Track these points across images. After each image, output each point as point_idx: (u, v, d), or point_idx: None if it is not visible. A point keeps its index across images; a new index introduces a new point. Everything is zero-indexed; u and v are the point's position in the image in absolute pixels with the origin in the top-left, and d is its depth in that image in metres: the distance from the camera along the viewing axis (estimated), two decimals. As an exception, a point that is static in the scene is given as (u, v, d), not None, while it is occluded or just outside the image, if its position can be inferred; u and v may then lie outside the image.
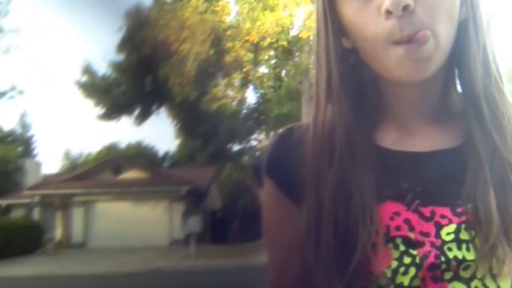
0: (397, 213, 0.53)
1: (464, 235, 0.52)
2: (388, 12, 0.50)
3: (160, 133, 48.70)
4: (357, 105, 0.58)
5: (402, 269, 0.51)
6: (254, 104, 19.04)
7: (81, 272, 10.76)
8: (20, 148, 32.97)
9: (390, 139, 0.59)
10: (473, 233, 0.51)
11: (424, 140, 0.58)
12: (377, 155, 0.57)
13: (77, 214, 18.47)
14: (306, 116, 13.67)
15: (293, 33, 14.08)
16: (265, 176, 0.64)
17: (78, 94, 19.49)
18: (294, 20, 13.29)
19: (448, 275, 0.51)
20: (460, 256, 0.51)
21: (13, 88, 20.84)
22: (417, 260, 0.51)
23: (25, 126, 36.54)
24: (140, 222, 17.67)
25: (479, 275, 0.51)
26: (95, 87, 19.26)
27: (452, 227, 0.52)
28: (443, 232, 0.52)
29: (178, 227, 16.67)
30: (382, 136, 0.60)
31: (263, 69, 14.73)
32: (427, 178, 0.55)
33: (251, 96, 24.10)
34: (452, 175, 0.55)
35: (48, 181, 21.25)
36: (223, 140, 19.42)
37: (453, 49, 0.54)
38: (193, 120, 18.13)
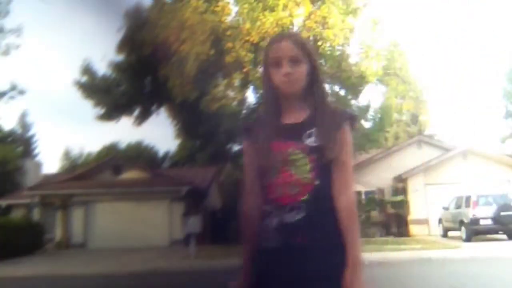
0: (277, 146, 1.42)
1: (298, 153, 1.39)
2: (284, 75, 1.42)
3: (160, 133, 48.62)
4: (272, 106, 1.50)
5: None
6: (254, 104, 18.98)
7: (81, 272, 10.77)
8: (20, 148, 32.99)
9: (285, 119, 1.47)
10: (302, 154, 1.39)
11: (297, 117, 1.46)
12: (279, 126, 1.45)
13: (77, 214, 18.47)
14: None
15: (293, 33, 14.08)
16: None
17: (78, 94, 19.36)
18: (294, 20, 13.30)
19: (290, 165, 1.39)
20: (296, 157, 1.38)
21: (13, 88, 20.81)
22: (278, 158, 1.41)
23: (25, 126, 36.58)
24: (140, 223, 17.67)
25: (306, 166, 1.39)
26: (95, 87, 19.20)
27: (295, 150, 1.39)
28: (290, 150, 1.40)
29: (178, 227, 16.68)
30: (282, 117, 1.48)
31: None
32: (296, 131, 1.42)
33: (251, 97, 24.04)
34: (309, 131, 1.41)
35: (48, 181, 21.26)
36: (223, 140, 19.37)
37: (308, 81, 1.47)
38: (193, 120, 18.09)
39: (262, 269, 1.39)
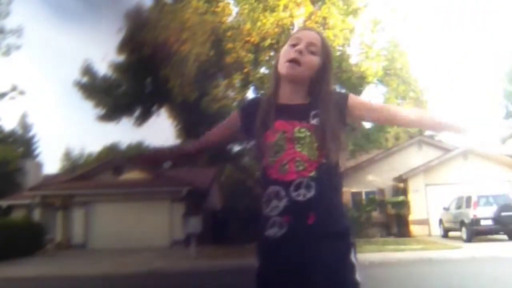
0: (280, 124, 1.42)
1: (304, 131, 1.40)
2: (296, 51, 1.42)
3: (160, 134, 48.51)
4: (275, 87, 1.51)
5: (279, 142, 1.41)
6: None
7: (82, 273, 10.77)
8: (20, 149, 33.00)
9: (283, 99, 1.48)
10: (308, 132, 1.39)
11: (301, 100, 1.46)
12: (282, 105, 1.46)
13: (78, 215, 18.47)
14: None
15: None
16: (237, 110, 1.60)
17: (78, 95, 19.40)
18: (295, 20, 13.30)
19: (295, 143, 1.38)
20: (302, 135, 1.38)
21: (13, 89, 20.83)
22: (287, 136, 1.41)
23: (25, 126, 36.62)
24: (141, 223, 17.67)
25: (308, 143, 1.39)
26: (96, 88, 19.24)
27: (301, 128, 1.39)
28: (296, 129, 1.40)
29: (179, 228, 16.66)
30: (284, 99, 1.48)
31: (263, 70, 14.73)
32: (301, 112, 1.42)
33: (251, 97, 24.05)
34: (315, 112, 1.42)
35: (49, 182, 21.26)
36: (223, 140, 19.38)
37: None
38: (194, 121, 18.11)
39: (270, 255, 1.36)
